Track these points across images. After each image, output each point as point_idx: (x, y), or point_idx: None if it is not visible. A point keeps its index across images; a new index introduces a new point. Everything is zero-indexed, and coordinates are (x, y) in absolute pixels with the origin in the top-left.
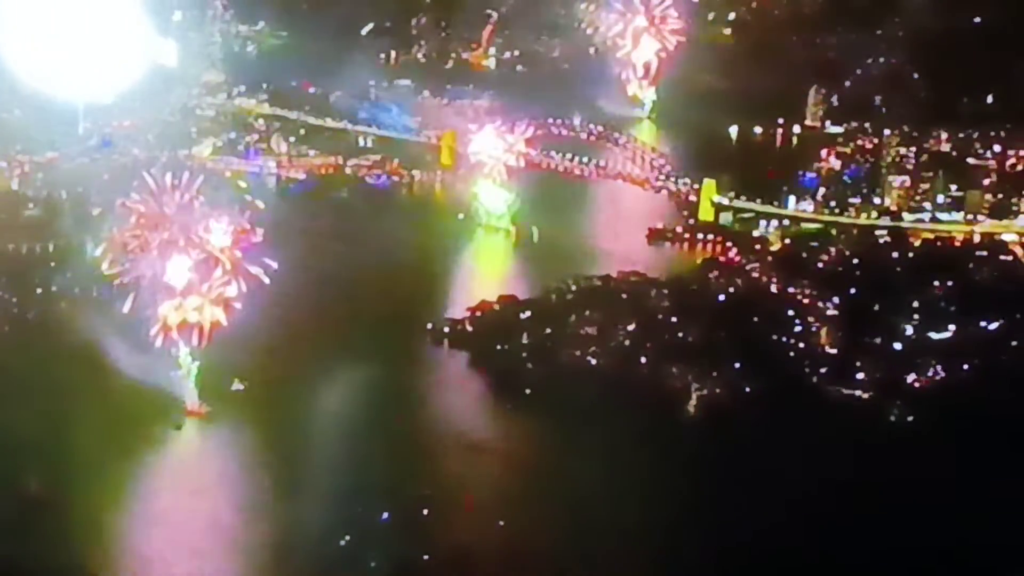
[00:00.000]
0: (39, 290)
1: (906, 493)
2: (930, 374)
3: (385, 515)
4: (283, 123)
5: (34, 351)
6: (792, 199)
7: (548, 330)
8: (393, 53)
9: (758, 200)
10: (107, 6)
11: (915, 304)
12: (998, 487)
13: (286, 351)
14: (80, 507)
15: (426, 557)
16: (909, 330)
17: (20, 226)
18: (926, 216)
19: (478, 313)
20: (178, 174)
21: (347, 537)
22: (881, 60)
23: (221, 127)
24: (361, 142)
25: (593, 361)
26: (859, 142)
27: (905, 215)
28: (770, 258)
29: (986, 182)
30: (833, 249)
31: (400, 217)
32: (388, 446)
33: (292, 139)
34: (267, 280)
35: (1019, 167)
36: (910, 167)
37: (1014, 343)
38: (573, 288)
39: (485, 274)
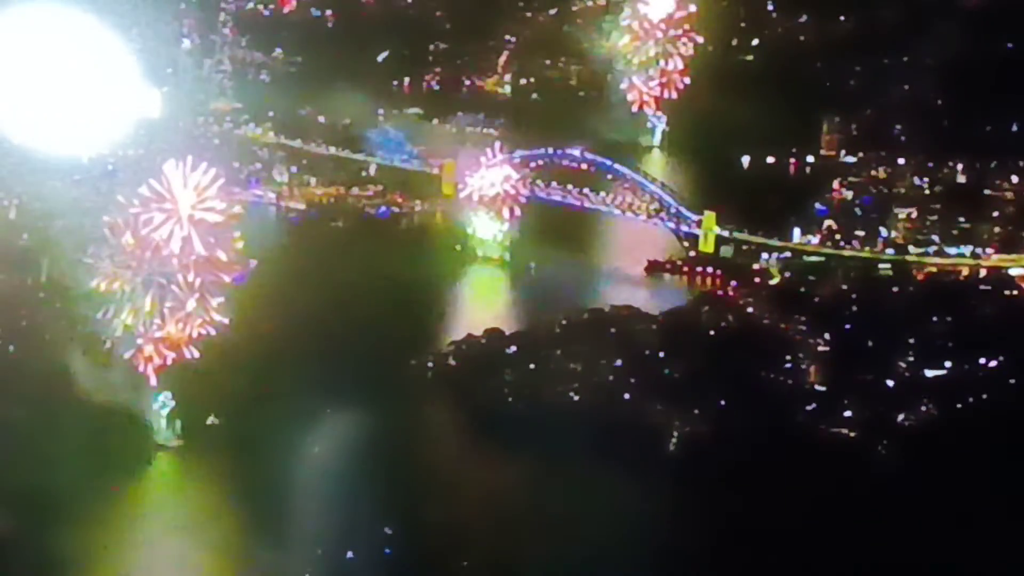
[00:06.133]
0: (24, 322)
1: (890, 534)
2: (921, 412)
3: (350, 554)
4: (287, 152)
5: (11, 383)
6: (797, 231)
7: (532, 365)
8: (407, 80)
9: (760, 232)
10: (115, 34)
11: (911, 340)
12: (987, 528)
13: (264, 385)
14: (46, 541)
15: None
16: (903, 367)
17: (13, 256)
18: (932, 249)
19: (463, 347)
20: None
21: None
22: (905, 88)
23: (225, 156)
24: (364, 171)
25: (576, 397)
26: (872, 172)
27: (911, 248)
28: (768, 292)
29: (996, 214)
30: (833, 283)
31: (397, 248)
32: (362, 482)
33: (295, 169)
34: (250, 313)
35: None
36: (921, 198)
37: (1012, 381)
38: (562, 322)
39: (477, 307)
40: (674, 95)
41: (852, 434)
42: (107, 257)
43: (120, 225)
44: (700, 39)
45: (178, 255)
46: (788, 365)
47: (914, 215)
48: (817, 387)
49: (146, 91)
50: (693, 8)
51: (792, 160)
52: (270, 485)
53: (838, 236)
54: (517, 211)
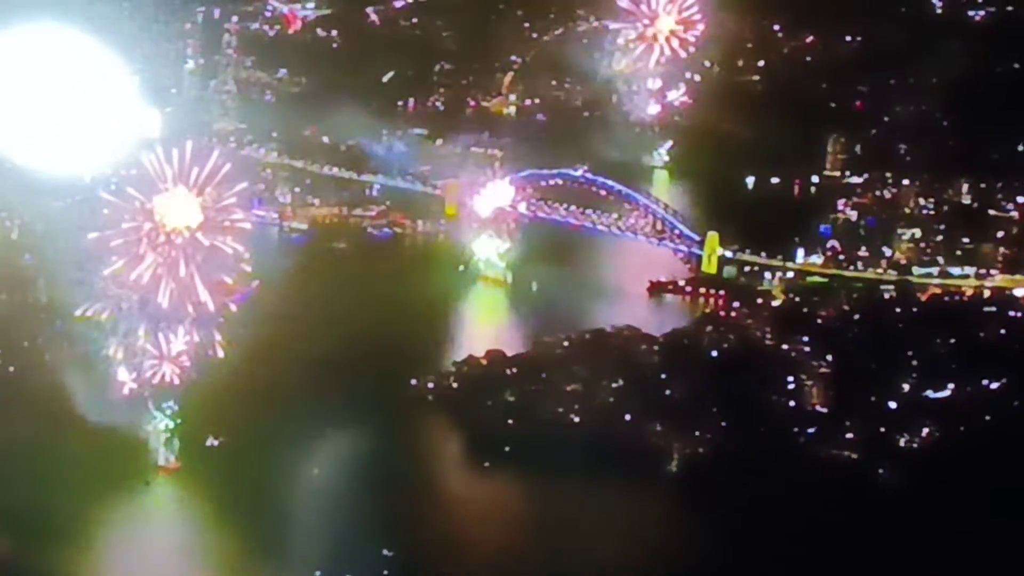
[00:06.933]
0: (25, 343)
1: (892, 555)
2: (924, 434)
3: None
4: (290, 172)
5: (11, 404)
6: (801, 252)
7: (533, 386)
8: (412, 101)
9: (763, 253)
10: (119, 54)
11: (914, 362)
12: (991, 550)
13: (265, 406)
14: (43, 562)
15: None
16: (906, 389)
17: (15, 276)
18: (935, 270)
19: (464, 368)
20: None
21: None
22: (910, 108)
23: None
24: (367, 192)
25: (576, 418)
26: (877, 193)
27: (915, 269)
28: (770, 313)
29: (1001, 234)
30: (836, 303)
31: (398, 269)
32: (362, 504)
33: (297, 189)
34: (251, 333)
35: None
36: (925, 219)
37: (1015, 403)
38: (564, 343)
39: (479, 328)
40: (678, 116)
41: (854, 456)
42: (106, 278)
43: (117, 245)
44: (705, 60)
45: (177, 276)
46: (791, 386)
47: (918, 236)
48: (819, 409)
49: (150, 111)
50: (699, 29)
51: (796, 180)
52: (270, 507)
53: (842, 257)
54: (519, 231)
